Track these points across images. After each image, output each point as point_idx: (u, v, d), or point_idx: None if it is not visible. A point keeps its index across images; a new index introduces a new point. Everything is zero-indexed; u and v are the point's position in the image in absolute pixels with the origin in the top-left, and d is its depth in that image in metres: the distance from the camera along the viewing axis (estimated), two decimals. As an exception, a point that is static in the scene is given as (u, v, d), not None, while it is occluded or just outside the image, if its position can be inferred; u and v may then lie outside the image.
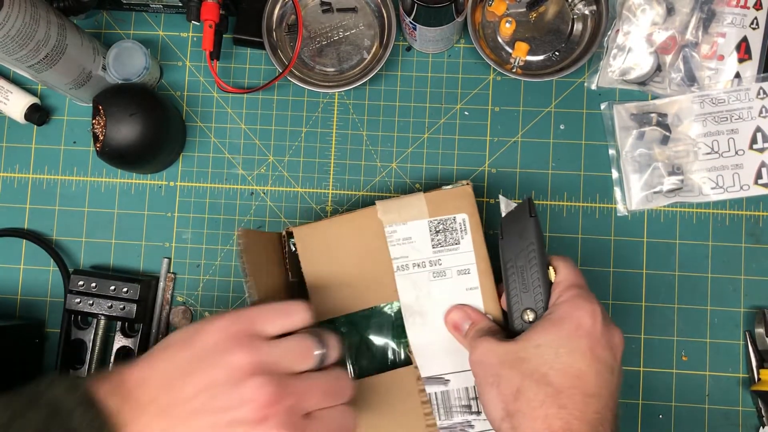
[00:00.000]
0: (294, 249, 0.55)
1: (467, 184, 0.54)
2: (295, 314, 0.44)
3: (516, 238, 0.50)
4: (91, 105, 0.59)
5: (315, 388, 0.43)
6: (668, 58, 0.61)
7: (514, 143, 0.63)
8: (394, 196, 0.55)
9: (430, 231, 0.54)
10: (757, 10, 0.60)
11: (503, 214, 0.52)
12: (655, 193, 0.61)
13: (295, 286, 0.56)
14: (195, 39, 0.65)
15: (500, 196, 0.53)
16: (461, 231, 0.54)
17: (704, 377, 0.60)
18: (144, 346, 0.61)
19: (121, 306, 0.59)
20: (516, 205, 0.51)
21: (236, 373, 0.41)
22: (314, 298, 0.54)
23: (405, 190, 0.63)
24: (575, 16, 0.62)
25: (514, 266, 0.49)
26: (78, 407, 0.38)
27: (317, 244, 0.54)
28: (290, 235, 0.55)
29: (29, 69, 0.54)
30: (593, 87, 0.63)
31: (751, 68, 0.60)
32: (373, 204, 0.54)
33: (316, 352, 0.43)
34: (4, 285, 0.64)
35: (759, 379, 0.58)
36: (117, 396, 0.40)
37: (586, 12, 0.62)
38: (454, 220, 0.54)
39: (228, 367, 0.41)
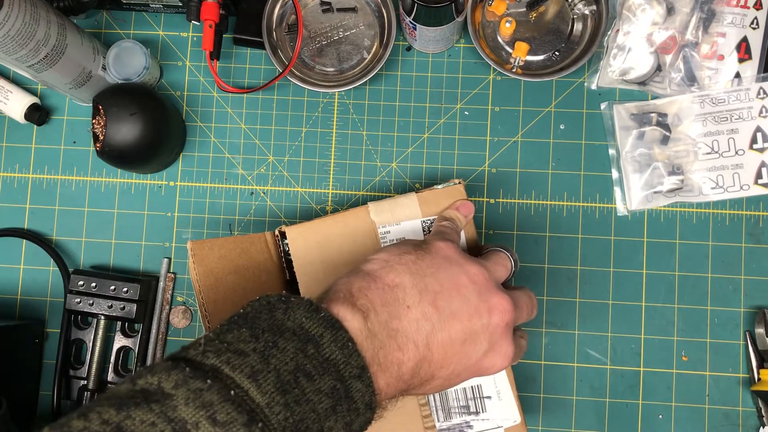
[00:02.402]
0: (287, 249, 0.55)
1: (459, 183, 0.54)
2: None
3: None
4: (91, 105, 0.59)
5: (524, 303, 0.46)
6: (668, 58, 0.61)
7: (514, 143, 0.63)
8: (392, 196, 0.55)
9: (424, 231, 0.54)
10: (757, 9, 0.60)
11: None
12: (655, 193, 0.61)
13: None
14: (195, 39, 0.65)
15: None
16: None
17: (704, 377, 0.60)
18: (144, 346, 0.61)
19: (121, 306, 0.59)
20: None
21: (477, 281, 0.43)
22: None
23: (405, 189, 0.63)
24: (575, 16, 0.62)
25: None
26: (325, 332, 0.37)
27: (309, 244, 0.54)
28: (283, 235, 0.55)
29: (29, 69, 0.54)
30: (593, 87, 0.63)
31: (751, 68, 0.60)
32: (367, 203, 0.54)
33: (509, 264, 0.48)
34: (4, 285, 0.64)
35: (759, 379, 0.58)
36: (358, 312, 0.39)
37: (586, 12, 0.62)
38: None
39: (468, 274, 0.43)
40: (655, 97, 0.62)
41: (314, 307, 0.38)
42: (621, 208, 0.61)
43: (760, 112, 0.60)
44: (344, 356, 0.36)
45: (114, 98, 0.58)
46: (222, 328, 0.37)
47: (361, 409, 0.37)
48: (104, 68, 0.61)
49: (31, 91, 0.65)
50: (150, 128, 0.58)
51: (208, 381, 0.32)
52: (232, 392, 0.32)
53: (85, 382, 0.61)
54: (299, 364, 0.35)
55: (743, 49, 0.60)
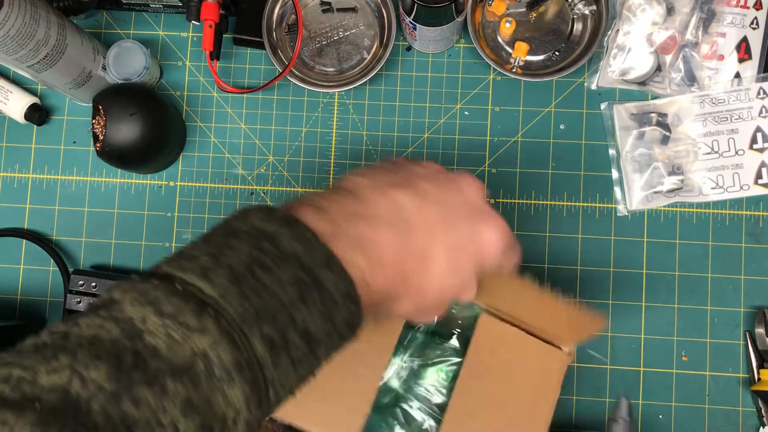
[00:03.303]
0: None
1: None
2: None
3: None
4: (91, 105, 0.59)
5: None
6: (668, 58, 0.61)
7: (514, 143, 0.63)
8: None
9: None
10: (757, 10, 0.60)
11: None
12: (655, 193, 0.61)
13: None
14: (195, 39, 0.66)
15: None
16: None
17: (704, 377, 0.60)
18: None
19: (121, 306, 0.59)
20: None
21: (434, 168, 0.41)
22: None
23: (405, 190, 0.63)
24: (575, 16, 0.62)
25: None
26: (282, 228, 0.33)
27: None
28: None
29: (29, 69, 0.54)
30: (593, 87, 0.63)
31: (751, 68, 0.60)
32: None
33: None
34: (4, 285, 0.64)
35: (759, 379, 0.58)
36: (319, 210, 0.36)
37: (586, 12, 0.62)
38: None
39: (422, 166, 0.41)
40: (655, 97, 0.62)
41: (270, 209, 0.35)
42: (621, 208, 0.61)
43: (760, 112, 0.60)
44: (304, 247, 0.33)
45: (114, 98, 0.58)
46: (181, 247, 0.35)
47: (338, 299, 0.33)
48: (104, 68, 0.61)
49: (31, 91, 0.65)
50: (150, 128, 0.58)
51: (155, 281, 0.31)
52: (179, 287, 0.31)
53: (85, 382, 0.61)
54: (254, 258, 0.32)
55: (743, 49, 0.60)
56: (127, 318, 0.29)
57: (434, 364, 0.53)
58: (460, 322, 0.53)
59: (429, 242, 0.38)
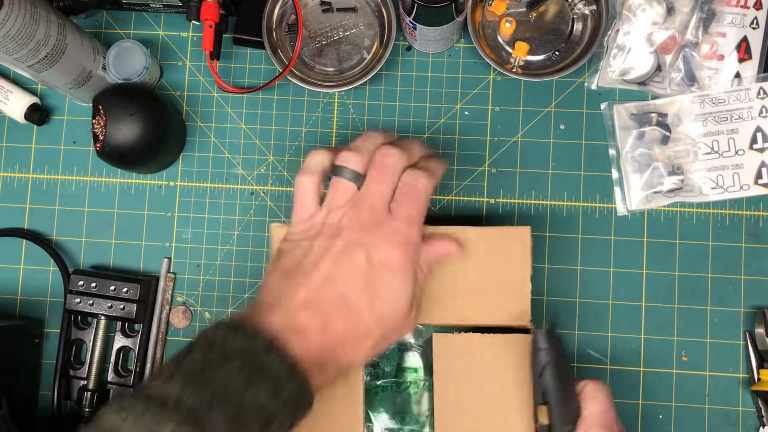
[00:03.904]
0: None
1: None
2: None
3: (536, 358, 0.47)
4: (91, 105, 0.59)
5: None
6: (668, 58, 0.61)
7: (514, 143, 0.63)
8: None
9: None
10: (757, 9, 0.60)
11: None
12: (655, 193, 0.61)
13: None
14: (195, 39, 0.66)
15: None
16: None
17: (704, 377, 0.60)
18: (144, 346, 0.61)
19: (121, 306, 0.59)
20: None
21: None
22: None
23: (405, 190, 0.63)
24: (575, 16, 0.62)
25: (538, 386, 0.46)
26: (227, 334, 0.41)
27: None
28: None
29: (29, 69, 0.54)
30: (593, 87, 0.63)
31: (751, 68, 0.60)
32: None
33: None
34: (4, 285, 0.64)
35: (759, 379, 0.58)
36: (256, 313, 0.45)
37: (586, 12, 0.62)
38: None
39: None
40: (655, 97, 0.62)
41: (220, 322, 0.43)
42: (621, 208, 0.61)
43: (760, 112, 0.60)
44: (247, 344, 0.41)
45: (114, 98, 0.58)
46: None
47: (282, 376, 0.40)
48: (104, 68, 0.61)
49: (31, 91, 0.65)
50: (150, 128, 0.58)
51: (127, 396, 0.39)
52: (144, 393, 0.38)
53: (85, 382, 0.61)
54: (206, 360, 0.40)
55: (743, 49, 0.60)
56: (104, 426, 0.37)
57: (410, 384, 0.54)
58: (419, 346, 0.55)
59: (338, 293, 0.45)
